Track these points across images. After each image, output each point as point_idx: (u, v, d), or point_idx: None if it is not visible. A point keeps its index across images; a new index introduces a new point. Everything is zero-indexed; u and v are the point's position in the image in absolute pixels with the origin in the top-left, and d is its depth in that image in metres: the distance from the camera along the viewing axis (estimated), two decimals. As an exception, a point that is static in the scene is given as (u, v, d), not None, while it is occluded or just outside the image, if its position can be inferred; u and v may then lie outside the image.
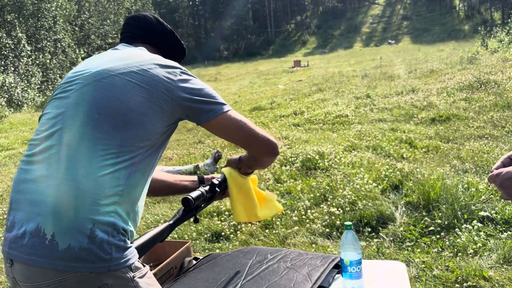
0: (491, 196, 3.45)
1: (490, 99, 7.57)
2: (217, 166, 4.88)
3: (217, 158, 4.86)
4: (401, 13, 59.26)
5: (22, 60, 19.26)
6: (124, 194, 1.05)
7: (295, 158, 4.94)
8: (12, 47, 19.24)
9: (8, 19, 21.58)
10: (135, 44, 1.38)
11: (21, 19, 23.49)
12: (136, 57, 1.22)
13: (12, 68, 18.31)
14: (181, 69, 1.22)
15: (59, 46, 25.41)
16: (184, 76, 1.20)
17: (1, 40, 18.66)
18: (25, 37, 20.82)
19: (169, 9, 61.18)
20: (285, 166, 4.78)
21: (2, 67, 17.77)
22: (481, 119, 6.39)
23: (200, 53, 54.57)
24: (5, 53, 18.64)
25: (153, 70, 1.17)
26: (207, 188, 1.37)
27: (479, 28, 18.30)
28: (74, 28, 32.46)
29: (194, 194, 1.31)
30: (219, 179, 1.45)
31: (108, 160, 1.04)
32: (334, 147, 5.46)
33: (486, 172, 4.12)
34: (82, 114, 1.09)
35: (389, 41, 48.50)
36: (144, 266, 1.09)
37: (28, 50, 20.19)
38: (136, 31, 1.42)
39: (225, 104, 1.22)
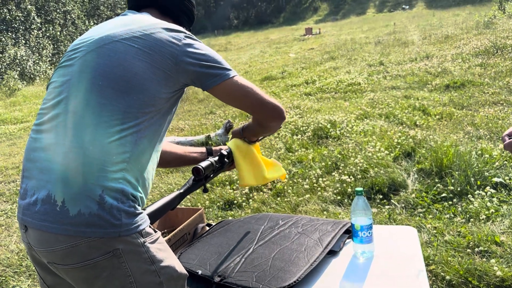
0: (505, 162, 3.41)
1: (506, 64, 7.38)
2: (228, 136, 4.88)
3: (228, 128, 4.87)
4: (416, -24, 57.31)
5: (32, 33, 19.25)
6: (132, 161, 1.05)
7: (306, 127, 4.92)
8: (22, 19, 19.19)
9: (17, -9, 21.47)
10: (142, 10, 1.35)
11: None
12: (139, 22, 1.20)
13: (23, 41, 18.32)
14: (185, 33, 1.19)
15: (69, 18, 25.27)
16: (189, 41, 1.17)
17: (11, 12, 18.61)
18: (34, 9, 20.71)
19: (178, -22, 59.92)
20: (296, 135, 4.77)
21: (13, 40, 17.79)
22: (496, 85, 6.25)
23: (210, 22, 53.80)
24: (16, 26, 18.63)
25: (156, 35, 1.14)
26: (216, 158, 1.40)
27: (498, -9, 17.62)
28: (88, 19, 32.16)
29: (204, 164, 1.34)
30: (227, 150, 1.48)
31: (114, 127, 1.04)
32: (346, 116, 5.41)
33: (500, 138, 4.05)
34: (86, 81, 1.09)
35: (403, 6, 47.14)
36: (155, 232, 1.10)
37: (38, 23, 20.14)
38: None
39: (231, 70, 1.20)
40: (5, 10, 18.62)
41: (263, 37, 30.45)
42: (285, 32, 34.22)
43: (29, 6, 20.59)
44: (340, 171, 3.53)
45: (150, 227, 1.09)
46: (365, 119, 5.24)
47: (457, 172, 3.19)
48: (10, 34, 17.78)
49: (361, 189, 1.43)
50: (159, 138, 1.17)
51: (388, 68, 9.06)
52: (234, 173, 3.82)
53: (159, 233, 1.12)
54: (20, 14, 19.09)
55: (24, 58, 17.01)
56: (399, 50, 11.67)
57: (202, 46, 1.19)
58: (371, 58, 10.94)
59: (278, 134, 4.97)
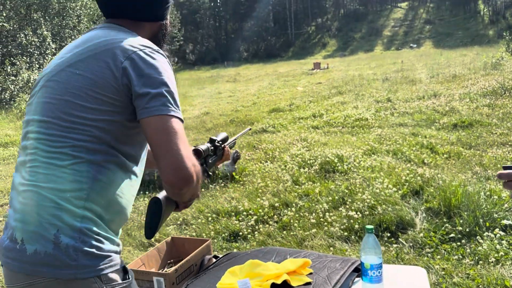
0: (514, 204, 3.37)
1: (514, 105, 7.41)
2: (236, 167, 4.89)
3: (235, 158, 4.88)
4: (424, 17, 58.51)
5: (46, 58, 19.67)
6: (92, 196, 0.99)
7: (313, 161, 4.92)
8: (38, 44, 19.68)
9: (35, 17, 22.08)
10: (112, 20, 1.19)
11: (46, 17, 24.03)
12: (91, 41, 1.07)
13: (37, 65, 18.72)
14: (139, 48, 1.03)
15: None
16: (140, 57, 1.01)
17: (27, 37, 19.11)
18: (50, 35, 21.26)
19: (191, 10, 61.65)
20: (304, 168, 4.77)
21: (27, 64, 18.19)
22: (504, 126, 6.26)
23: (220, 54, 54.89)
24: (31, 50, 19.08)
25: (102, 54, 1.02)
26: (208, 144, 1.42)
27: (504, 33, 17.92)
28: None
29: (203, 146, 1.36)
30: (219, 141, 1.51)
31: (64, 161, 0.99)
32: (354, 151, 5.42)
33: (497, 175, 4.03)
34: (38, 120, 1.05)
35: (411, 45, 47.87)
36: (127, 278, 1.03)
37: (53, 48, 20.61)
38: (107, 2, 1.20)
39: (174, 109, 0.99)
40: (22, 35, 19.14)
41: (271, 70, 30.93)
42: (294, 65, 34.77)
43: (45, 32, 21.14)
44: (347, 206, 3.51)
45: (123, 271, 1.02)
46: (373, 155, 5.24)
47: (465, 213, 3.16)
48: (25, 58, 18.19)
49: (371, 227, 1.42)
50: (132, 164, 1.07)
51: (395, 105, 9.12)
52: (240, 203, 3.81)
53: (129, 280, 1.04)
54: (36, 39, 19.59)
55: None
56: (407, 88, 11.78)
57: (153, 66, 1.02)
58: (378, 94, 11.04)
59: (285, 166, 4.98)
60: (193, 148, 1.31)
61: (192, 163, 0.98)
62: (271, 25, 61.97)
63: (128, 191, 1.08)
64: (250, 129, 1.97)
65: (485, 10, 54.57)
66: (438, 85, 11.55)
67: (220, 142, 1.48)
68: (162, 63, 1.04)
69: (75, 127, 1.00)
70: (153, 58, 1.03)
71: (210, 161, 1.43)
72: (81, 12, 28.43)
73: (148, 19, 1.20)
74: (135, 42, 1.05)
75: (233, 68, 40.44)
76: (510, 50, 15.66)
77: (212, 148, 1.43)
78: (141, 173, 1.15)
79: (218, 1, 66.44)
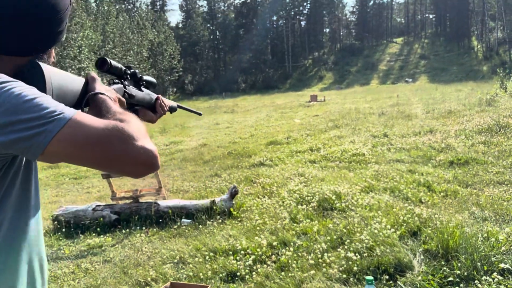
0: (511, 248, 3.37)
1: (509, 143, 7.49)
2: (233, 202, 4.89)
3: (233, 193, 4.88)
4: (419, 52, 59.84)
5: (47, 87, 19.91)
6: None
7: (311, 197, 4.93)
8: (38, 74, 19.98)
9: (37, 47, 22.56)
10: None
11: (48, 47, 24.45)
12: None
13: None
14: None
15: (83, 74, 26.26)
16: None
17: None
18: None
19: (191, 42, 62.85)
20: (301, 205, 4.77)
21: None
22: (500, 164, 6.32)
23: (218, 84, 55.60)
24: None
25: None
26: (121, 66, 1.23)
27: (498, 70, 18.30)
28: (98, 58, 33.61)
29: (115, 63, 1.16)
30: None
31: None
32: (351, 187, 5.44)
33: (507, 221, 4.04)
34: None
35: (406, 79, 48.71)
36: None
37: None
38: None
39: (60, 114, 0.77)
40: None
41: (269, 101, 31.28)
42: (291, 97, 35.19)
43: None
44: (346, 247, 3.50)
45: None
46: (370, 192, 5.26)
47: (463, 256, 3.15)
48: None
49: (371, 278, 1.43)
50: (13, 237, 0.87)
51: (392, 140, 9.20)
52: (238, 241, 3.79)
53: None
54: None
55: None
56: (403, 123, 11.92)
57: (8, 96, 0.76)
58: (375, 129, 11.15)
59: (283, 202, 4.98)
60: (100, 57, 1.12)
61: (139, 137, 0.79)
62: (269, 57, 63.29)
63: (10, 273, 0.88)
64: (201, 114, 1.84)
65: (478, 47, 55.97)
66: (433, 121, 11.69)
67: (144, 83, 1.30)
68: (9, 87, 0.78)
69: None
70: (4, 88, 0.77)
71: (132, 90, 1.23)
72: (82, 42, 28.92)
73: (10, 52, 0.88)
74: None
75: (231, 99, 40.87)
76: (504, 86, 15.95)
77: (130, 75, 1.23)
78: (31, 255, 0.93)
79: (218, 34, 67.86)
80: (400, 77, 50.64)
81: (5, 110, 0.74)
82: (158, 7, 68.08)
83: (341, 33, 74.06)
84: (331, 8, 70.61)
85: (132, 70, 1.26)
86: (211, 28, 68.15)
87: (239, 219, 4.55)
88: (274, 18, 65.49)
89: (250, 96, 43.25)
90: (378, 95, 29.15)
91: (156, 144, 13.41)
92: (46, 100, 0.77)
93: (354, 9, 75.90)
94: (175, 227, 4.61)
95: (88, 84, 1.01)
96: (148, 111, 1.35)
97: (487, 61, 48.76)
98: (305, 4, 70.11)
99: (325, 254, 3.40)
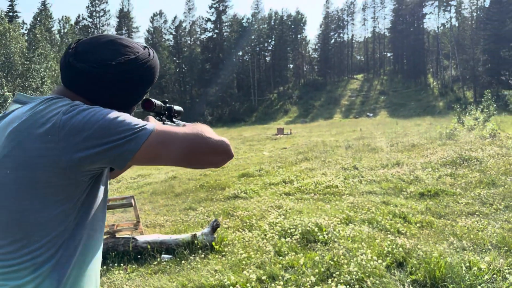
0: (494, 275, 3.46)
1: (474, 175, 7.81)
2: (215, 236, 4.79)
3: (215, 227, 4.79)
4: (378, 88, 62.42)
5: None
6: None
7: (294, 230, 4.91)
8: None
9: (-2, 78, 21.87)
10: (63, 91, 1.04)
11: (9, 78, 23.74)
12: (11, 125, 0.92)
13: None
14: (64, 112, 0.89)
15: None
16: (69, 123, 0.88)
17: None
18: (11, 96, 20.92)
19: (156, 74, 62.70)
20: (284, 237, 4.74)
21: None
22: (468, 195, 6.55)
23: (184, 117, 55.38)
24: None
25: (27, 141, 0.88)
26: (161, 103, 1.40)
27: (454, 106, 19.29)
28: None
29: (156, 101, 1.35)
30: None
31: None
32: (330, 219, 5.46)
33: (484, 250, 4.16)
34: None
35: (368, 113, 50.42)
36: None
37: (14, 108, 20.25)
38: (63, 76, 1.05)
39: (142, 128, 0.91)
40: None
41: (236, 134, 31.41)
42: (258, 130, 35.51)
43: (6, 93, 20.78)
44: (335, 279, 3.48)
45: None
46: (350, 224, 5.30)
47: (451, 286, 3.21)
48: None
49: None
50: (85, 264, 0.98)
51: (362, 173, 9.39)
52: (225, 277, 3.69)
53: None
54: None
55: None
56: (370, 156, 12.22)
57: (89, 117, 0.89)
58: (344, 161, 11.36)
59: (265, 235, 4.93)
60: (145, 98, 1.25)
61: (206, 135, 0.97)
62: (235, 91, 64.07)
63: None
64: None
65: (434, 83, 59.09)
66: (399, 154, 12.07)
67: (175, 114, 1.46)
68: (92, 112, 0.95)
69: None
70: (81, 112, 0.93)
71: (167, 123, 1.39)
72: (45, 74, 28.33)
73: (115, 107, 1.02)
74: (53, 109, 0.94)
75: (198, 131, 40.68)
76: (461, 121, 16.76)
77: (166, 109, 1.40)
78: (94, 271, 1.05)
79: (184, 67, 68.25)
80: (361, 112, 52.37)
81: (99, 127, 0.87)
82: (124, 40, 67.96)
83: (305, 69, 76.38)
84: (295, 45, 72.95)
85: (168, 105, 1.42)
86: (177, 61, 68.57)
87: (222, 253, 4.45)
88: (240, 53, 66.72)
89: (217, 128, 43.28)
90: (342, 128, 29.92)
91: (123, 177, 13.08)
92: (129, 117, 0.93)
93: (316, 47, 78.65)
94: (155, 263, 4.44)
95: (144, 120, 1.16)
96: None
97: (442, 97, 51.44)
98: (269, 40, 72.08)
99: (315, 287, 3.36)
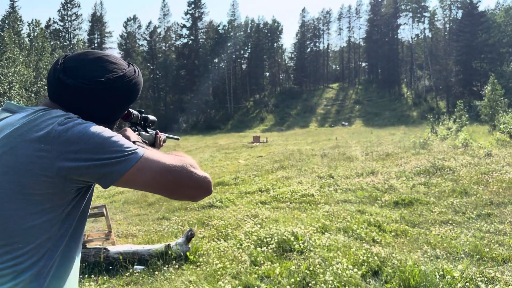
0: (467, 284, 3.55)
1: (447, 184, 8.02)
2: (189, 246, 4.74)
3: (189, 237, 4.75)
4: (353, 97, 63.48)
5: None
6: None
7: (270, 239, 4.91)
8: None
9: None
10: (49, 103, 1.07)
11: (-25, 82, 23.08)
12: (6, 129, 0.96)
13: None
14: (59, 123, 0.93)
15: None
16: (65, 134, 0.91)
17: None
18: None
19: (130, 80, 61.96)
20: (260, 247, 4.73)
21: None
22: (442, 204, 6.72)
23: (159, 125, 54.86)
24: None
25: (19, 147, 0.91)
26: (137, 112, 1.43)
27: (428, 116, 19.80)
28: (30, 94, 32.06)
29: (134, 111, 1.39)
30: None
31: None
32: (306, 228, 5.50)
33: (457, 258, 4.26)
34: None
35: (343, 122, 51.17)
36: None
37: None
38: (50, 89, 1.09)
39: (133, 151, 0.94)
40: None
41: (211, 142, 31.29)
42: (233, 138, 35.50)
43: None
44: (311, 289, 3.49)
45: None
46: (325, 233, 5.34)
47: (425, 293, 3.27)
48: None
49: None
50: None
51: (337, 181, 9.50)
52: (199, 288, 3.65)
53: None
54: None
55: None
56: (345, 164, 12.39)
57: (84, 132, 0.93)
58: (320, 170, 11.47)
59: (241, 245, 4.91)
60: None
61: (185, 164, 0.98)
62: (211, 98, 63.82)
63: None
64: (178, 139, 1.99)
65: (408, 93, 60.50)
66: (373, 163, 12.27)
67: (150, 124, 1.51)
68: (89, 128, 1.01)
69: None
70: (77, 126, 0.98)
71: (142, 134, 1.45)
72: (13, 78, 27.61)
73: (99, 121, 1.05)
74: (49, 119, 0.98)
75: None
76: (435, 131, 17.21)
77: (142, 120, 1.45)
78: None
79: (158, 73, 67.75)
80: (337, 121, 53.13)
81: (93, 143, 0.91)
82: (96, 44, 67.07)
83: (281, 77, 77.04)
84: (271, 53, 73.49)
85: (143, 115, 1.46)
86: (152, 67, 67.99)
87: (197, 263, 4.41)
88: (216, 60, 66.75)
89: (192, 136, 43.03)
90: (317, 137, 30.24)
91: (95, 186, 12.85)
92: (122, 138, 0.96)
93: (293, 55, 79.47)
94: (127, 274, 4.36)
95: (121, 132, 1.22)
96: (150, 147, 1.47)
97: (416, 107, 52.75)
98: (246, 48, 72.40)
99: (292, 297, 3.37)
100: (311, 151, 17.87)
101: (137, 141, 1.17)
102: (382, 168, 10.88)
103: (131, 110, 1.32)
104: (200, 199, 1.04)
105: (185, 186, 0.97)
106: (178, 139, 1.98)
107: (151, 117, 1.51)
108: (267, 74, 76.47)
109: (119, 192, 11.17)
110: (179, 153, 1.05)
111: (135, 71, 1.13)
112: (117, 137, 0.96)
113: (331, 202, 7.46)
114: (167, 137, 1.80)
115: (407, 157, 12.54)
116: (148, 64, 67.83)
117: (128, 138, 1.20)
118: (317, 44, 79.06)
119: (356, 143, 21.01)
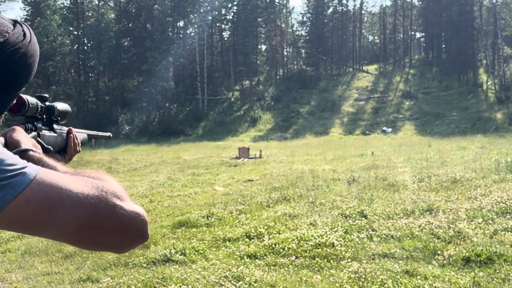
0: None
1: (549, 231, 8.07)
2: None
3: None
4: (401, 88, 63.47)
5: None
6: None
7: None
8: None
9: None
10: None
11: None
12: None
13: None
14: None
15: None
16: None
17: None
18: None
19: (40, 55, 61.83)
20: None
21: None
22: (539, 263, 6.75)
23: (85, 125, 54.67)
24: None
25: None
26: (37, 100, 1.45)
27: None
28: None
29: (30, 98, 1.39)
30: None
31: None
32: (321, 300, 5.49)
33: None
34: None
35: (384, 128, 51.39)
36: None
37: None
38: None
39: (18, 173, 0.90)
40: None
41: (172, 155, 31.22)
42: (207, 150, 35.46)
43: None
44: None
45: None
46: (352, 308, 5.34)
47: None
48: None
49: None
50: None
51: (373, 224, 9.51)
52: None
53: None
54: None
55: None
56: (387, 196, 12.42)
57: None
58: (345, 204, 11.49)
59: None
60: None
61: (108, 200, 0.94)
62: (172, 85, 63.51)
63: None
64: (110, 136, 2.09)
65: (489, 83, 60.33)
66: (431, 194, 12.31)
67: (58, 117, 1.53)
68: None
69: None
70: None
71: (45, 136, 1.46)
72: None
73: None
74: None
75: (107, 149, 40.32)
76: (529, 145, 17.34)
77: (45, 111, 1.47)
78: None
79: (87, 44, 67.71)
80: (374, 125, 53.29)
81: None
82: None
83: (286, 53, 77.16)
84: (270, 14, 73.54)
85: (48, 104, 1.47)
86: (76, 33, 68.02)
87: None
88: (181, 24, 66.87)
89: (139, 145, 42.97)
90: (343, 151, 30.32)
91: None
92: (2, 148, 0.93)
93: (305, 19, 79.58)
94: None
95: (7, 135, 1.22)
96: (57, 155, 1.53)
97: (501, 105, 52.81)
98: (230, 6, 72.42)
99: None
100: (332, 174, 17.91)
101: (31, 150, 1.16)
102: (446, 204, 10.91)
103: (24, 97, 1.32)
104: (128, 249, 1.02)
105: (104, 230, 0.93)
106: (109, 136, 2.06)
107: (61, 106, 1.52)
108: (263, 48, 76.60)
109: (17, 237, 11.07)
110: (97, 172, 1.03)
111: (24, 35, 1.12)
112: None
113: (363, 257, 7.47)
114: (90, 136, 1.83)
115: (486, 185, 12.60)
116: (71, 28, 67.91)
117: (16, 144, 1.18)
118: (345, 1, 79.61)
119: (405, 162, 21.08)
